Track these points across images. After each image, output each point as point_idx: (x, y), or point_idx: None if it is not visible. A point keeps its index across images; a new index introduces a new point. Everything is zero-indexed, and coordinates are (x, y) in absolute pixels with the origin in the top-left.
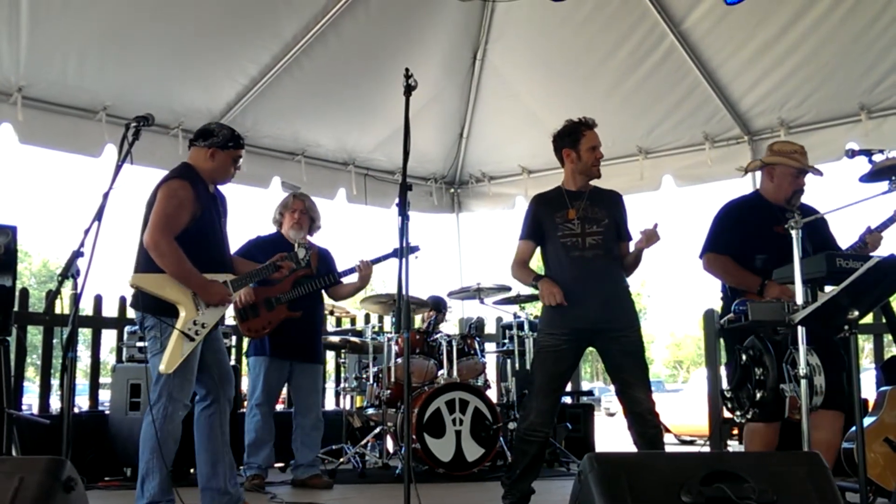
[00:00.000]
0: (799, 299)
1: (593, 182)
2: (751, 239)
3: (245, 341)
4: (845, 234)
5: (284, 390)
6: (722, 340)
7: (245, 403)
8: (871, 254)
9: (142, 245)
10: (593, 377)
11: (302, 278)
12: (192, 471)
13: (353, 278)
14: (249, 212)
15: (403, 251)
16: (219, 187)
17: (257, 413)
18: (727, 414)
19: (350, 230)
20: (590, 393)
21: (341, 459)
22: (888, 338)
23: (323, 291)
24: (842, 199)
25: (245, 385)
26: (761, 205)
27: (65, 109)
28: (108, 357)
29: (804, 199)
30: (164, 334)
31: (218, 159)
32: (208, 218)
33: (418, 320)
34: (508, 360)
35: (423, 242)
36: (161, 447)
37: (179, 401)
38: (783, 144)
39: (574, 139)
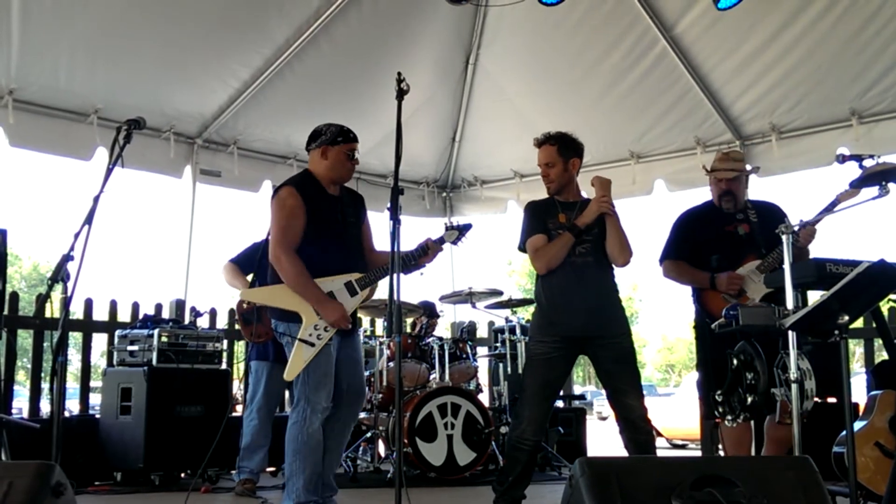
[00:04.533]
0: (789, 304)
1: (586, 194)
2: (705, 242)
3: (238, 345)
4: (837, 239)
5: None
6: (697, 344)
7: (238, 407)
8: (805, 247)
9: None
10: (585, 381)
11: None
12: (182, 475)
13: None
14: (241, 215)
15: (394, 258)
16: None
17: (255, 418)
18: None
19: None
20: (582, 397)
21: None
22: (879, 342)
23: None
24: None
25: (236, 388)
26: (711, 209)
27: (56, 112)
28: (98, 361)
29: (779, 201)
30: (291, 341)
31: (331, 156)
32: (325, 220)
33: (409, 324)
34: (500, 364)
35: (413, 242)
36: (304, 449)
37: (317, 403)
38: (717, 153)
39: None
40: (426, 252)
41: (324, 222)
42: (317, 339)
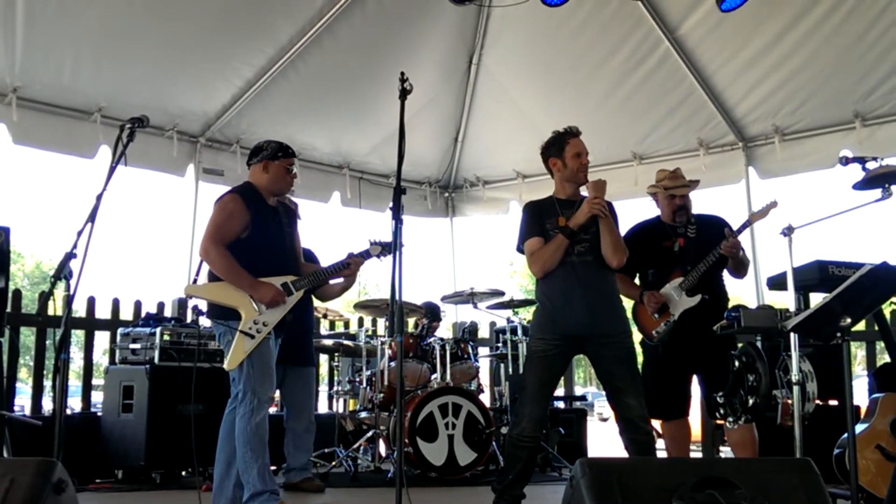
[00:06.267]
0: (791, 306)
1: (584, 191)
2: (645, 256)
3: None
4: (840, 241)
5: (277, 394)
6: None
7: None
8: (732, 256)
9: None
10: (586, 382)
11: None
12: (184, 473)
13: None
14: None
15: (396, 255)
16: (291, 205)
17: None
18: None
19: (344, 233)
20: (583, 398)
21: (333, 463)
22: (881, 345)
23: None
24: (835, 207)
25: None
26: (656, 225)
27: (59, 110)
28: (100, 359)
29: (711, 211)
30: (232, 337)
31: (272, 170)
32: (264, 227)
33: (411, 324)
34: (502, 365)
35: (414, 241)
36: (253, 440)
37: (263, 394)
38: (658, 173)
39: (559, 148)
40: (347, 266)
41: (264, 228)
42: (256, 333)
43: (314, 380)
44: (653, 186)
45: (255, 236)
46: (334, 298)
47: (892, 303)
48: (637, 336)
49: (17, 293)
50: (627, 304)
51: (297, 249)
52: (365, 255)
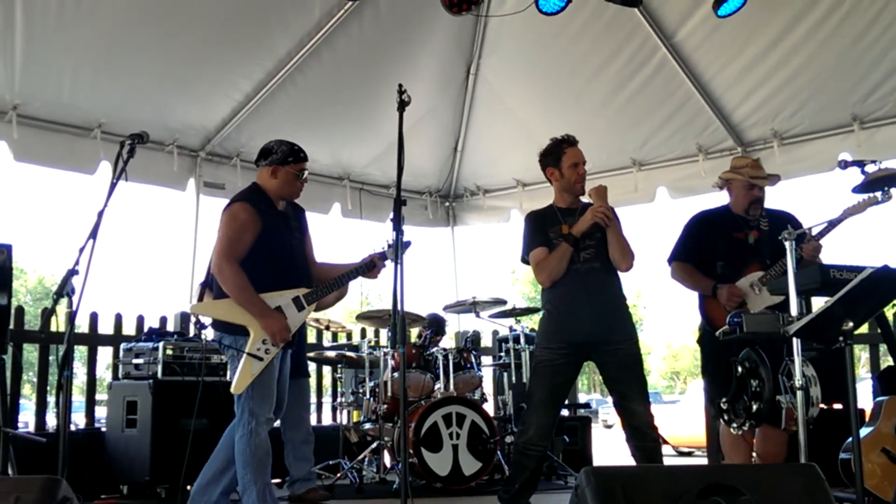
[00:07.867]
0: (793, 311)
1: (585, 199)
2: (713, 247)
3: None
4: (839, 244)
5: None
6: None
7: None
8: (812, 260)
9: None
10: (590, 389)
11: None
12: (188, 487)
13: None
14: None
15: (398, 266)
16: (299, 204)
17: None
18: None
19: (345, 245)
20: (587, 405)
21: (338, 474)
22: (884, 347)
23: None
24: (835, 211)
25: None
26: (725, 215)
27: (60, 127)
28: (104, 374)
29: (782, 207)
30: (238, 356)
31: (280, 176)
32: (275, 236)
33: (414, 335)
34: (505, 374)
35: (416, 251)
36: (252, 461)
37: (262, 415)
38: (738, 160)
39: (556, 157)
40: (373, 266)
41: (273, 238)
42: (265, 354)
43: (309, 390)
44: (729, 172)
45: (266, 247)
46: (328, 308)
47: (894, 305)
48: (682, 327)
49: (20, 310)
50: (689, 297)
51: (309, 255)
52: (383, 257)
